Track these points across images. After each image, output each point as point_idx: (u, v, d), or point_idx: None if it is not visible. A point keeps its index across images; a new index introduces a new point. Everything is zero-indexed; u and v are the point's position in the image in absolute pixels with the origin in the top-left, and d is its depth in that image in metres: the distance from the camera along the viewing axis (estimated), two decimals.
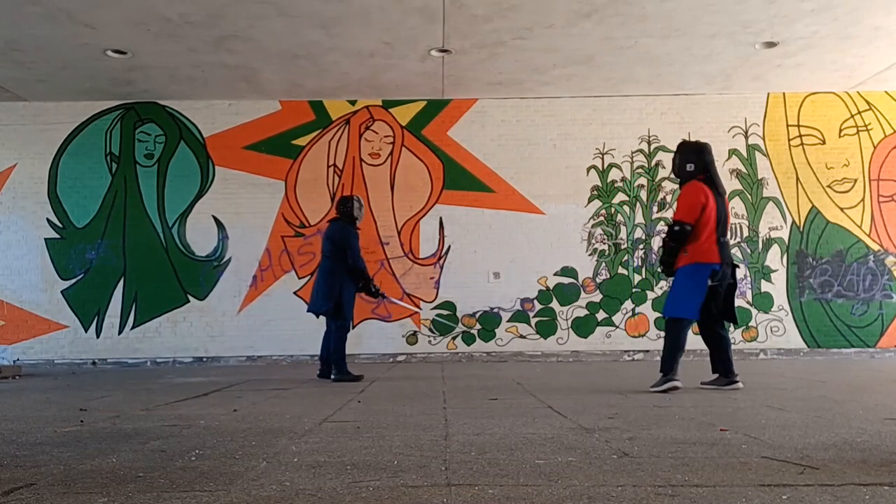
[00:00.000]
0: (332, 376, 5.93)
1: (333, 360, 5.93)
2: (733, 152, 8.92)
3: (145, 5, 6.31)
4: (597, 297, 8.78)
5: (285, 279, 8.77)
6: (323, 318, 6.18)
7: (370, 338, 8.64)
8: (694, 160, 4.83)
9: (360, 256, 6.02)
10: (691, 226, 4.68)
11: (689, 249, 4.72)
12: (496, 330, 8.74)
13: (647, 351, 8.69)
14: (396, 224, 8.85)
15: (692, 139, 9.09)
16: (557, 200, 8.87)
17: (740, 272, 8.78)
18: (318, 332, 6.29)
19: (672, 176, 5.66)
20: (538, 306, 8.77)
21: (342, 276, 5.95)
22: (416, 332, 8.74)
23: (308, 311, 6.24)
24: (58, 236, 8.80)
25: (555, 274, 8.80)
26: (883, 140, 8.95)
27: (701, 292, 4.71)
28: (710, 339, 4.99)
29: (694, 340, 8.80)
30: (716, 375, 5.00)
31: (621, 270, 8.83)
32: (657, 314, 8.72)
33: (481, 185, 8.89)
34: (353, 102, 8.99)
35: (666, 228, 4.90)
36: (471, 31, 6.97)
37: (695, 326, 5.05)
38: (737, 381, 4.84)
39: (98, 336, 8.69)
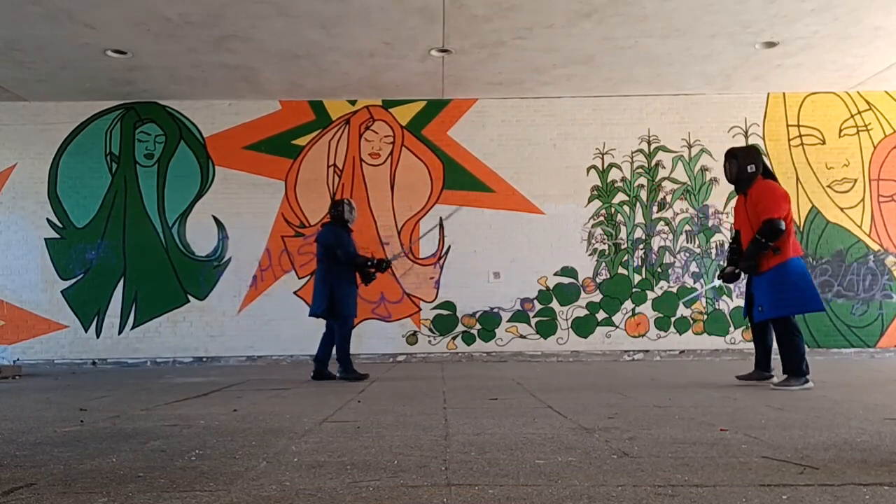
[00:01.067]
0: (338, 374, 5.95)
1: (338, 359, 5.97)
2: None
3: (145, 5, 6.31)
4: (597, 297, 8.78)
5: (285, 279, 8.76)
6: (323, 321, 6.21)
7: (370, 338, 8.64)
8: (753, 161, 4.95)
9: (351, 251, 6.05)
10: (783, 222, 4.78)
11: (783, 248, 4.80)
12: (496, 330, 8.74)
13: (647, 351, 8.69)
14: (396, 224, 8.84)
15: (691, 140, 9.19)
16: (557, 200, 8.86)
17: None
18: (319, 332, 6.30)
19: (725, 178, 5.39)
20: (538, 306, 8.77)
21: (334, 277, 5.99)
22: (416, 332, 8.74)
23: (309, 315, 6.28)
24: (58, 236, 8.80)
25: (555, 274, 8.80)
26: (883, 140, 8.95)
27: (810, 281, 4.86)
28: (764, 334, 5.10)
29: (694, 340, 8.83)
30: (752, 370, 5.19)
31: (621, 270, 8.83)
32: (657, 314, 8.72)
33: (481, 185, 8.89)
34: (353, 102, 8.99)
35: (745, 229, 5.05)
36: (471, 31, 6.97)
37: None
38: (773, 376, 5.04)
39: (98, 336, 8.69)
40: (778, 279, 4.79)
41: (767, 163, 5.55)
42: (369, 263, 6.16)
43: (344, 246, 6.00)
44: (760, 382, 5.06)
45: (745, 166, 4.94)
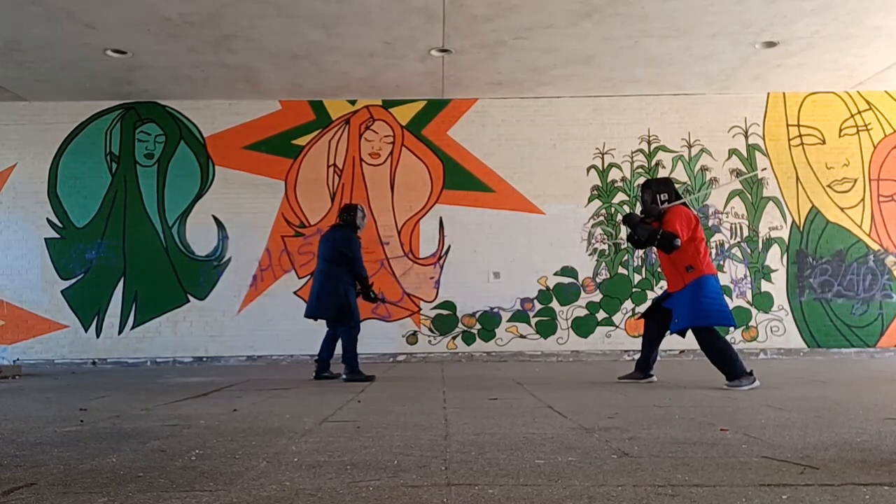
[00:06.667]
0: (344, 376, 5.94)
1: (345, 361, 5.96)
2: (733, 152, 8.92)
3: (145, 5, 6.31)
4: (597, 296, 8.78)
5: (285, 279, 8.76)
6: (322, 321, 6.20)
7: (370, 338, 8.59)
8: (665, 190, 5.25)
9: (363, 267, 6.13)
10: (679, 240, 4.98)
11: (695, 265, 5.03)
12: (496, 330, 8.74)
13: None
14: (396, 224, 8.84)
15: (691, 140, 9.18)
16: (557, 200, 8.86)
17: (740, 271, 8.82)
18: (318, 332, 6.29)
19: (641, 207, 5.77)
20: (538, 306, 8.77)
21: (343, 282, 5.99)
22: (416, 332, 8.74)
23: (306, 315, 6.22)
24: (58, 236, 8.80)
25: (555, 274, 8.80)
26: (883, 140, 8.95)
27: (723, 299, 5.13)
28: (654, 337, 5.45)
29: (694, 340, 8.82)
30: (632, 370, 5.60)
31: (621, 270, 8.83)
32: None
33: (481, 185, 8.89)
34: (353, 102, 8.99)
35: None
36: (471, 31, 6.97)
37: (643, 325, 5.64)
38: (652, 377, 5.44)
39: (98, 336, 8.69)
40: (694, 293, 5.02)
41: (679, 191, 5.87)
42: (371, 295, 6.21)
43: (360, 261, 6.06)
44: (640, 382, 5.38)
45: (658, 195, 5.21)
